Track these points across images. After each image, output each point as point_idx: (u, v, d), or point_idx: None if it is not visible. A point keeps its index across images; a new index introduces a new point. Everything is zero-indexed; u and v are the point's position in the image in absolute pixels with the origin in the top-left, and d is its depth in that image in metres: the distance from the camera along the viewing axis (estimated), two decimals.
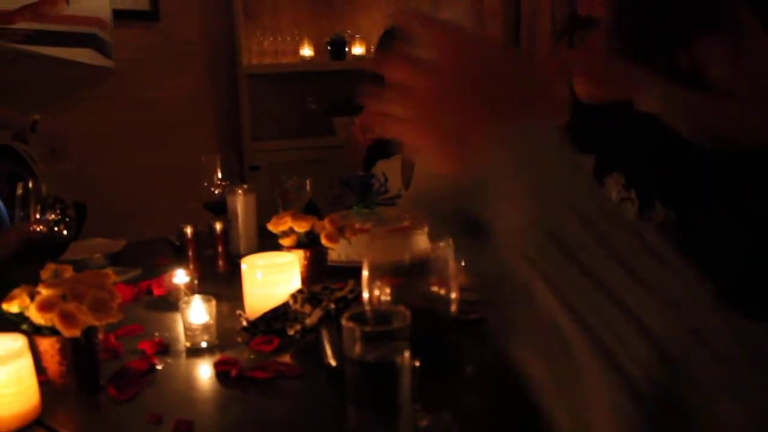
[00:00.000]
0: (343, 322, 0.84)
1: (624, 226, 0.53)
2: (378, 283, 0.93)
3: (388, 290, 0.93)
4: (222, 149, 3.89)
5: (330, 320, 1.22)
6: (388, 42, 2.32)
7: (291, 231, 1.50)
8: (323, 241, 1.49)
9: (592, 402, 0.48)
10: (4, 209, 2.00)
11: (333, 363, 1.10)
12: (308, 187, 1.97)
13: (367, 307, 0.91)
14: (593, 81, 1.42)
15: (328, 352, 1.13)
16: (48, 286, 1.09)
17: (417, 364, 0.86)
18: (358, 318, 0.84)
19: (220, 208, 1.87)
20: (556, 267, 0.50)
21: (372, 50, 4.00)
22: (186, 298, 1.29)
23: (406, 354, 0.83)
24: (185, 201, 3.58)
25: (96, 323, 1.07)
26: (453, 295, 0.92)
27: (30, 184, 1.49)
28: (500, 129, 0.56)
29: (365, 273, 0.93)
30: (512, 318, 0.54)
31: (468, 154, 0.56)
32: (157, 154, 3.64)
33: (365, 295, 0.93)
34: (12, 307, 1.08)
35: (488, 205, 0.55)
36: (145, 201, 3.52)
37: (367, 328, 0.84)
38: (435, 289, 0.94)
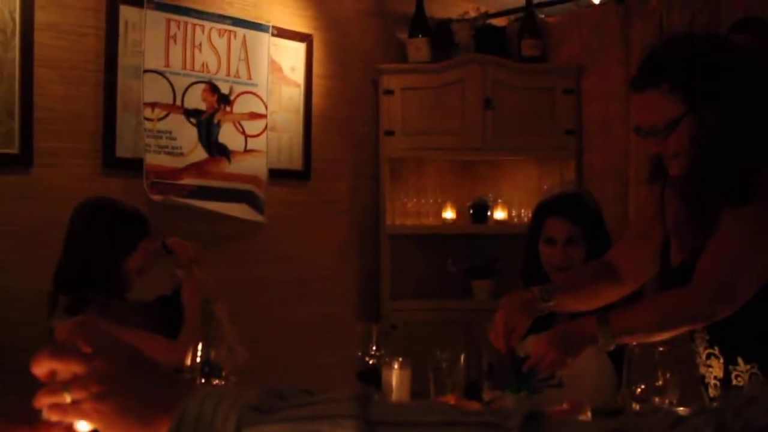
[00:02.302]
0: None
1: None
2: None
3: None
4: (360, 306, 3.94)
5: None
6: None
7: None
8: None
9: None
10: None
11: None
12: (462, 360, 1.92)
13: None
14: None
15: None
16: None
17: None
18: None
19: (372, 379, 1.84)
20: None
21: (513, 214, 4.03)
22: None
23: None
24: (322, 357, 3.62)
25: None
26: None
27: (199, 351, 1.52)
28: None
29: None
30: None
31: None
32: (297, 308, 3.71)
33: None
34: None
35: None
36: (281, 354, 3.56)
37: None
38: None
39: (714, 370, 1.67)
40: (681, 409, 1.50)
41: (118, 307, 2.27)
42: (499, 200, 4.08)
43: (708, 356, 1.68)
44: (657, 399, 1.50)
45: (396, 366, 1.80)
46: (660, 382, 1.54)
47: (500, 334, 1.79)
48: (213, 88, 3.48)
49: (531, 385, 1.77)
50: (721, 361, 1.64)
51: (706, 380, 1.70)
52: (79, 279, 2.27)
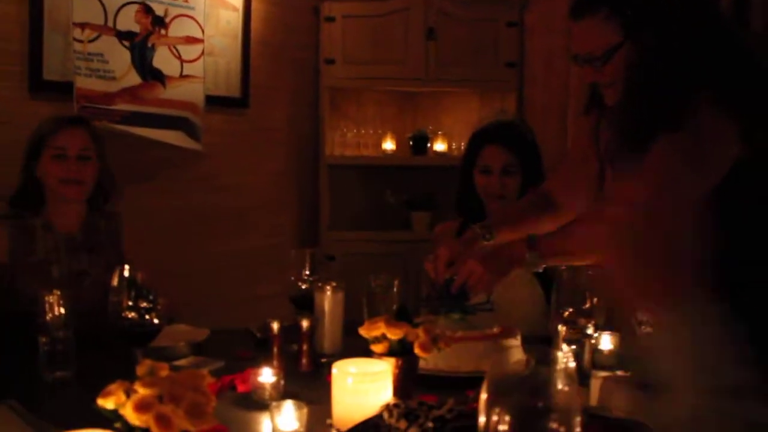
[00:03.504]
0: None
1: None
2: (499, 409, 0.86)
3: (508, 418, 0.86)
4: (299, 236, 3.92)
5: None
6: None
7: (383, 337, 1.45)
8: (416, 350, 1.44)
9: None
10: None
11: None
12: (396, 287, 1.92)
13: None
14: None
15: None
16: (145, 385, 1.05)
17: None
18: None
19: (306, 304, 1.84)
20: None
21: (453, 147, 4.03)
22: (276, 402, 1.24)
23: None
24: (261, 288, 3.60)
25: (191, 429, 1.03)
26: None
27: (126, 272, 1.48)
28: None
29: (484, 395, 0.86)
30: None
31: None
32: (235, 238, 3.67)
33: (482, 420, 0.86)
34: (107, 403, 1.05)
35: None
36: (220, 286, 3.53)
37: None
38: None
39: None
40: None
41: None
42: (439, 132, 4.07)
43: None
44: (583, 321, 1.54)
45: (329, 290, 1.80)
46: (587, 306, 1.57)
47: (440, 271, 1.81)
48: (147, 9, 3.34)
49: (463, 307, 1.79)
50: None
51: None
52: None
